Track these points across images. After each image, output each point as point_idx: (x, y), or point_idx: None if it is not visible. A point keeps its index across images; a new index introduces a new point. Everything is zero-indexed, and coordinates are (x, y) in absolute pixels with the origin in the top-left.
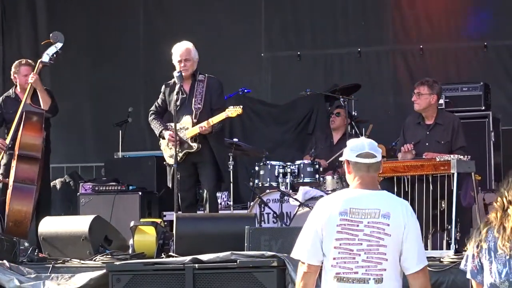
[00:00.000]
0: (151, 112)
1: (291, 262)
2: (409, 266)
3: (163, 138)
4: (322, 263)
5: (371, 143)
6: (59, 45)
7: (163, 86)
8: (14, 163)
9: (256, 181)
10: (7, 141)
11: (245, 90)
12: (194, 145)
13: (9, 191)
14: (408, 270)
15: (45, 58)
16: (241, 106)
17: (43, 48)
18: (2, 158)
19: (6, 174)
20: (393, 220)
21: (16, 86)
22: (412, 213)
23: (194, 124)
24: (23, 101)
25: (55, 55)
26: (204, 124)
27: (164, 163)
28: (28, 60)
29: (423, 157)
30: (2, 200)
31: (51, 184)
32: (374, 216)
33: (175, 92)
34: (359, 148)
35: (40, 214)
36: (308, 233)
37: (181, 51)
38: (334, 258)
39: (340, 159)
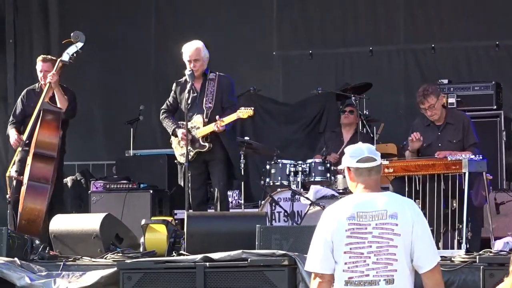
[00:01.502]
0: (162, 111)
1: (302, 261)
2: (422, 265)
3: (176, 136)
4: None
5: (369, 147)
6: (79, 44)
7: (174, 85)
8: (29, 161)
9: (267, 179)
10: (24, 137)
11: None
12: (206, 145)
13: (23, 189)
14: (421, 268)
15: (65, 57)
16: (252, 108)
17: (64, 47)
18: (17, 154)
19: (21, 171)
20: (401, 219)
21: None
22: (419, 211)
23: (205, 124)
24: (41, 99)
25: (75, 55)
26: (218, 123)
27: (176, 161)
28: (47, 56)
29: (436, 156)
30: (15, 198)
31: None
32: (382, 218)
33: (186, 91)
34: (358, 154)
35: (53, 213)
36: (318, 243)
37: (191, 51)
38: (345, 263)
39: (339, 167)
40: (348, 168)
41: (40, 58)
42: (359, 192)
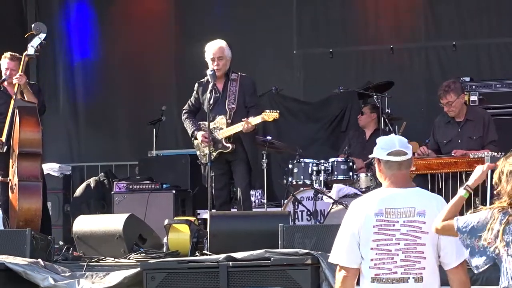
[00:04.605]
0: (184, 111)
1: (325, 260)
2: (448, 262)
3: (196, 139)
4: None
5: (401, 140)
6: (42, 35)
7: (196, 85)
8: (15, 162)
9: (290, 179)
10: (3, 137)
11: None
12: (229, 146)
13: (15, 191)
14: (447, 265)
15: (30, 50)
16: (278, 111)
17: (27, 40)
18: None
19: (5, 173)
20: (429, 217)
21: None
22: None
23: (228, 125)
24: (13, 99)
25: (39, 47)
26: (246, 123)
27: (198, 161)
28: (16, 55)
29: (452, 154)
30: (3, 201)
31: (86, 182)
32: (410, 215)
33: (208, 91)
34: (389, 146)
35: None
36: (344, 236)
37: (215, 49)
38: (372, 260)
39: (370, 156)
40: (378, 160)
41: (8, 55)
42: (386, 186)
